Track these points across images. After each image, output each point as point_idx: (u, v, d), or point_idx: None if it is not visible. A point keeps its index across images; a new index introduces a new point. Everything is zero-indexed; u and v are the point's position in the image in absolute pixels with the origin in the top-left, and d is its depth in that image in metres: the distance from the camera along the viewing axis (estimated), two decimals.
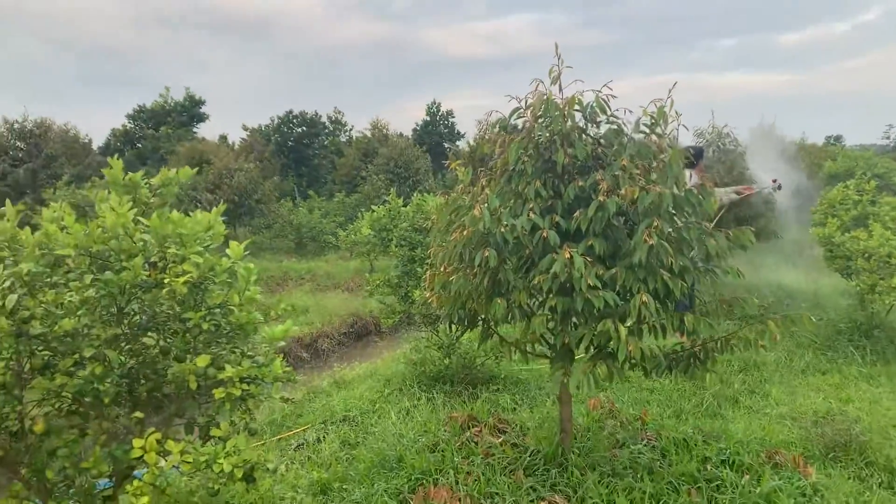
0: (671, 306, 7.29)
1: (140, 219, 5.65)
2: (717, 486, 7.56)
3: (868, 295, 14.36)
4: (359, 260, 24.87)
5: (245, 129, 53.03)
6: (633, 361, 6.85)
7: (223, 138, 54.21)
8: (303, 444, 10.52)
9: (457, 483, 7.28)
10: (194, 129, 53.27)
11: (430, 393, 11.42)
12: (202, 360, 6.03)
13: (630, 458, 8.10)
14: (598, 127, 7.69)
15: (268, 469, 6.50)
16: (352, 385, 13.15)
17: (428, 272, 7.80)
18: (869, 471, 8.50)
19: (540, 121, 7.41)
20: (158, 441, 5.81)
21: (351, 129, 54.84)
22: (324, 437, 10.47)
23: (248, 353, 6.51)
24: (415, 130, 56.08)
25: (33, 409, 5.86)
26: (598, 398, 10.49)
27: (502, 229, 6.79)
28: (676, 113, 7.10)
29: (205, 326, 5.95)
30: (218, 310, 6.21)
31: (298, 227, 33.42)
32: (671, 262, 6.72)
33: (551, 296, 7.01)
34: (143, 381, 6.43)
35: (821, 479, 7.91)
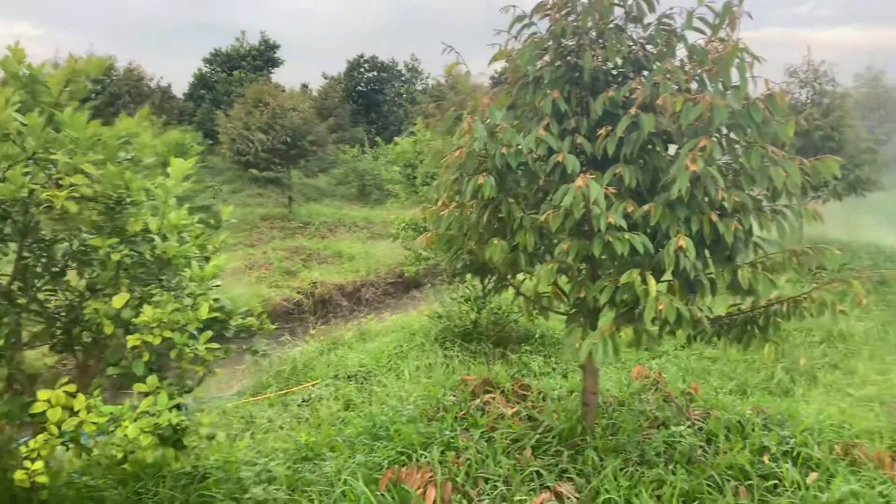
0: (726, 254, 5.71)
1: (16, 115, 4.44)
2: (773, 484, 6.00)
3: None
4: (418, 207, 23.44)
5: (325, 77, 52.30)
6: (667, 324, 5.34)
7: (304, 86, 53.77)
8: (307, 400, 9.51)
9: (441, 463, 5.99)
10: (270, 73, 52.95)
11: (453, 350, 10.14)
12: (118, 301, 4.92)
13: (666, 441, 6.61)
14: (643, 29, 6.06)
15: (210, 435, 5.45)
16: (377, 338, 12.02)
17: (421, 207, 6.42)
18: None
19: (566, 17, 5.84)
20: (72, 395, 4.78)
21: (428, 77, 53.26)
22: (330, 394, 9.40)
23: (185, 294, 5.38)
24: (492, 78, 53.93)
25: None
26: (643, 366, 8.94)
27: (503, 150, 5.32)
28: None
29: (115, 257, 4.81)
30: (138, 239, 5.05)
31: (362, 174, 32.47)
32: (722, 198, 5.12)
33: (564, 237, 5.53)
34: (59, 324, 5.40)
35: None
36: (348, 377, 9.86)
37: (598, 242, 5.17)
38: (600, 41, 5.76)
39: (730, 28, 5.51)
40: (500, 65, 6.34)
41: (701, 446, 6.66)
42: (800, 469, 6.24)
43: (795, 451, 6.54)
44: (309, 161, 25.70)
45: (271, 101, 25.23)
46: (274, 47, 53.01)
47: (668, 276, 5.64)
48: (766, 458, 6.38)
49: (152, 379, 5.04)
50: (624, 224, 5.11)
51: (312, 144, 24.86)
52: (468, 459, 6.11)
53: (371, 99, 47.23)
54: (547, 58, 5.85)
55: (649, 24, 5.98)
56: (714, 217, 5.15)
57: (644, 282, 5.07)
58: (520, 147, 5.34)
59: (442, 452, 6.29)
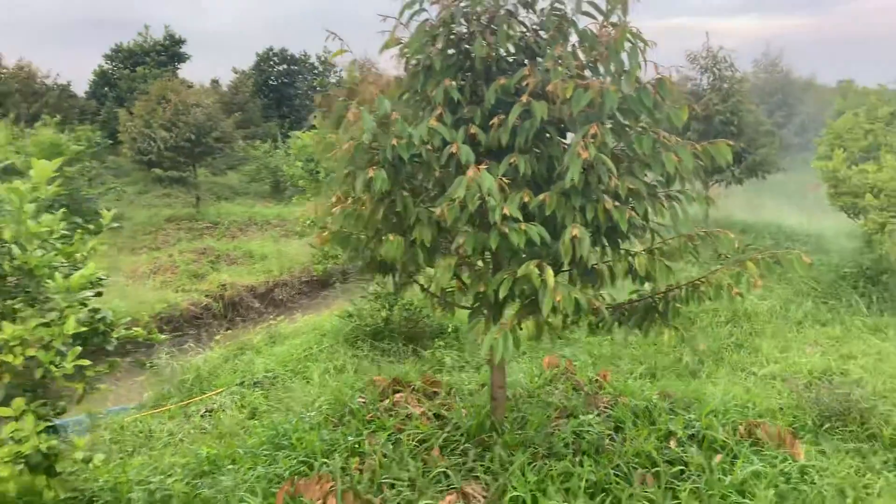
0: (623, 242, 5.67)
1: None
2: (680, 470, 6.01)
3: (876, 236, 12.66)
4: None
5: (235, 71, 50.60)
6: (566, 315, 5.23)
7: (214, 82, 51.90)
8: (211, 410, 9.04)
9: (344, 470, 5.73)
10: (177, 69, 51.00)
11: (364, 350, 9.87)
12: None
13: (575, 432, 6.54)
14: (536, 15, 5.92)
15: (86, 459, 5.01)
16: (287, 341, 11.60)
17: (313, 203, 6.11)
18: (871, 446, 6.94)
19: (457, 3, 5.63)
20: None
21: (342, 70, 52.30)
22: (234, 402, 8.96)
23: (52, 307, 4.92)
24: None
25: None
26: (554, 355, 8.90)
27: (394, 142, 5.08)
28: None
29: None
30: None
31: (275, 171, 31.53)
32: (616, 185, 5.04)
33: (464, 229, 5.35)
34: None
35: (811, 460, 6.35)
36: (254, 384, 9.43)
37: (494, 235, 5.01)
38: (492, 27, 5.59)
39: (622, 12, 5.43)
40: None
41: (609, 435, 6.63)
42: (705, 452, 6.28)
43: (701, 434, 6.59)
44: (216, 158, 24.74)
45: (173, 97, 24.16)
46: (179, 42, 51.03)
47: (567, 266, 5.58)
48: (672, 444, 6.40)
49: (18, 402, 4.59)
50: (519, 215, 4.96)
51: (218, 141, 23.93)
52: (373, 465, 5.87)
53: (282, 93, 46.04)
54: (439, 45, 5.63)
55: (543, 9, 5.86)
56: (609, 204, 5.06)
57: (541, 273, 4.94)
58: (412, 138, 5.11)
59: (346, 459, 6.02)
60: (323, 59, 53.29)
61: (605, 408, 7.24)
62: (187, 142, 23.22)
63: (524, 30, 5.89)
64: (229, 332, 13.41)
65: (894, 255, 13.11)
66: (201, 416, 8.91)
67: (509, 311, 5.83)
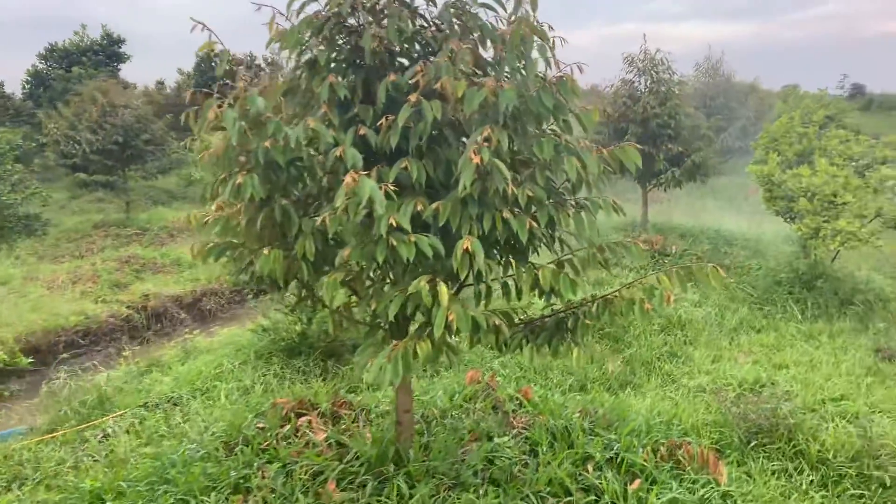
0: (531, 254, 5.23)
1: None
2: (594, 499, 5.58)
3: (811, 240, 12.53)
4: None
5: (181, 72, 49.29)
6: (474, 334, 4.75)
7: (160, 83, 50.52)
8: (108, 435, 8.33)
9: None
10: (117, 69, 49.48)
11: (276, 368, 9.25)
12: None
13: (487, 457, 6.07)
14: (435, 4, 5.43)
15: None
16: (202, 356, 10.89)
17: (187, 213, 5.53)
18: (798, 463, 6.64)
19: None
20: None
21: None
22: (133, 426, 8.27)
23: None
24: None
25: None
26: (477, 370, 8.42)
27: (267, 145, 4.54)
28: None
29: None
30: None
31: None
32: (513, 192, 4.57)
33: (353, 242, 4.83)
34: None
35: (735, 483, 5.99)
36: (158, 405, 8.74)
37: (381, 247, 4.50)
38: (383, 17, 5.08)
39: (531, 7, 4.97)
40: None
41: (524, 460, 6.17)
42: (623, 477, 5.86)
43: (620, 456, 6.17)
44: (147, 162, 23.70)
45: (100, 97, 23.04)
46: (118, 41, 49.61)
47: (472, 280, 5.13)
48: (589, 468, 5.96)
49: None
50: (408, 225, 4.46)
51: (148, 144, 22.91)
52: (258, 503, 5.30)
53: (224, 94, 44.96)
54: (325, 38, 5.11)
55: (446, 1, 5.38)
56: (507, 213, 4.60)
57: (433, 289, 4.46)
58: (289, 140, 4.57)
59: (227, 497, 5.43)
60: (269, 59, 52.29)
61: (523, 428, 6.79)
62: (115, 144, 22.13)
63: (424, 24, 5.41)
64: (139, 347, 12.59)
65: (829, 261, 13.03)
66: (99, 441, 8.21)
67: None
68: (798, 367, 9.49)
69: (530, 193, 4.67)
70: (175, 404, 8.76)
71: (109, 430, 8.39)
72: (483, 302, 5.38)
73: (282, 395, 7.92)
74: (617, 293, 5.23)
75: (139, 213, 24.98)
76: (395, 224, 4.41)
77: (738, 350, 10.56)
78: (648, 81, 17.19)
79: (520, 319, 5.77)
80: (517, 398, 7.57)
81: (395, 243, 4.43)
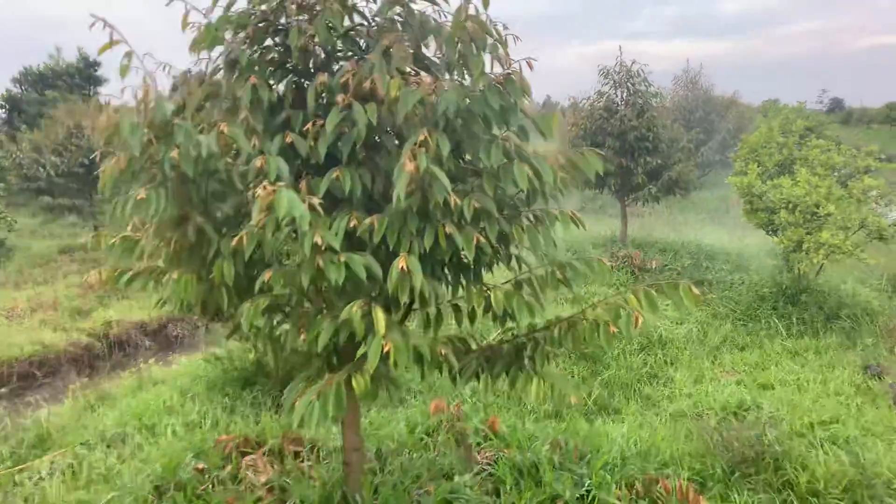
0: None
1: None
2: None
3: (794, 253, 12.09)
4: None
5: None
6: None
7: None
8: (44, 476, 7.66)
9: None
10: (94, 93, 48.93)
11: (229, 399, 8.64)
12: None
13: (446, 500, 5.49)
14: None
15: None
16: (156, 387, 10.24)
17: (92, 234, 4.95)
18: (787, 495, 6.10)
19: None
20: None
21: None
22: (72, 468, 7.61)
23: None
24: None
25: None
26: (442, 398, 7.84)
27: (174, 155, 3.99)
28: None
29: None
30: None
31: None
32: (455, 203, 4.04)
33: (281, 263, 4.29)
34: None
35: None
36: (100, 443, 8.09)
37: (306, 268, 3.95)
38: (316, 13, 4.57)
39: (482, 5, 4.46)
40: None
41: (486, 502, 5.59)
42: None
43: (592, 494, 5.61)
44: None
45: (65, 119, 22.42)
46: (94, 65, 49.08)
47: (418, 305, 4.59)
48: None
49: None
50: (337, 244, 3.91)
51: None
52: None
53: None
54: (248, 34, 4.59)
55: None
56: (450, 228, 4.07)
57: (367, 316, 3.92)
58: (201, 149, 4.03)
59: None
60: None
61: (488, 464, 6.22)
62: (81, 167, 21.48)
63: (365, 21, 4.90)
64: (89, 379, 11.87)
65: (813, 274, 12.59)
66: (34, 484, 7.55)
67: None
68: (784, 387, 8.99)
69: (477, 205, 4.14)
70: (122, 441, 8.12)
71: (45, 473, 7.74)
72: (433, 328, 4.86)
73: (230, 431, 7.32)
74: (581, 315, 4.71)
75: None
76: (321, 242, 3.86)
77: (720, 370, 10.06)
78: (625, 94, 16.82)
79: (477, 345, 5.25)
80: (483, 430, 6.99)
81: (321, 264, 3.89)
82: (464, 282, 4.70)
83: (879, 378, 9.38)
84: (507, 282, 4.78)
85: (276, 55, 4.73)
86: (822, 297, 12.38)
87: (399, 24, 4.68)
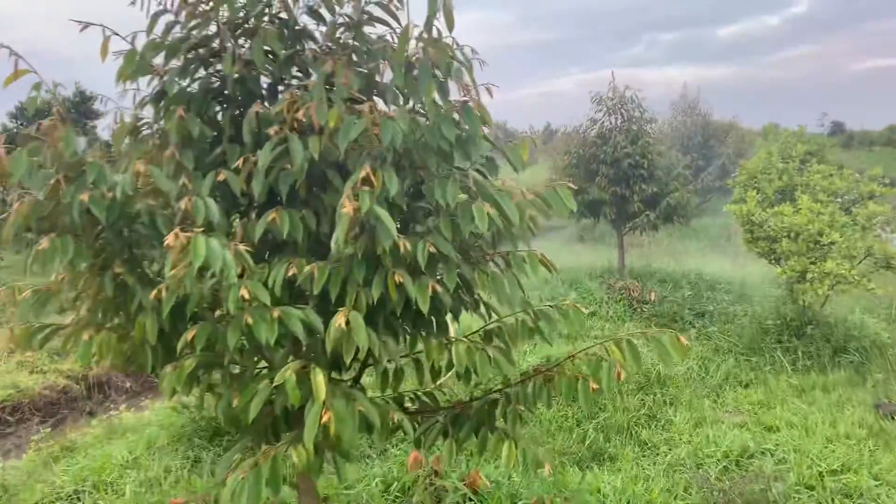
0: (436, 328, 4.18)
1: None
2: None
3: (798, 284, 11.54)
4: None
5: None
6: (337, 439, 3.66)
7: None
8: None
9: None
10: (92, 126, 48.98)
11: (196, 452, 8.06)
12: None
13: None
14: (325, 22, 4.48)
15: None
16: (126, 437, 9.65)
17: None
18: None
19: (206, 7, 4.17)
20: None
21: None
22: None
23: None
24: None
25: None
26: (417, 452, 7.26)
27: (84, 197, 3.50)
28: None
29: None
30: None
31: None
32: (409, 249, 3.54)
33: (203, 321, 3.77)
34: None
35: None
36: (55, 502, 7.52)
37: (233, 326, 3.45)
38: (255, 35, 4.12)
39: (447, 26, 3.99)
40: None
41: None
42: None
43: None
44: None
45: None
46: (90, 99, 49.19)
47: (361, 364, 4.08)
48: None
49: None
50: (266, 298, 3.41)
51: None
52: None
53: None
54: (182, 65, 4.14)
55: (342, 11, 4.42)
56: (401, 276, 3.56)
57: (303, 380, 3.40)
58: (116, 191, 3.55)
59: None
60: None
61: None
62: None
63: (314, 45, 4.45)
64: (51, 429, 11.26)
65: (818, 305, 12.02)
66: None
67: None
68: (791, 429, 8.38)
69: (433, 249, 3.64)
70: (78, 499, 7.54)
71: None
72: (391, 387, 4.34)
73: (190, 490, 6.76)
74: (557, 367, 4.19)
75: None
76: (248, 296, 3.36)
77: (723, 410, 9.46)
78: (619, 120, 16.42)
79: (447, 401, 4.73)
80: (464, 485, 6.41)
81: (250, 321, 3.38)
82: (424, 333, 4.19)
83: (892, 418, 8.78)
84: (475, 332, 4.28)
85: (217, 84, 4.29)
86: (828, 330, 11.79)
87: (352, 50, 4.22)
